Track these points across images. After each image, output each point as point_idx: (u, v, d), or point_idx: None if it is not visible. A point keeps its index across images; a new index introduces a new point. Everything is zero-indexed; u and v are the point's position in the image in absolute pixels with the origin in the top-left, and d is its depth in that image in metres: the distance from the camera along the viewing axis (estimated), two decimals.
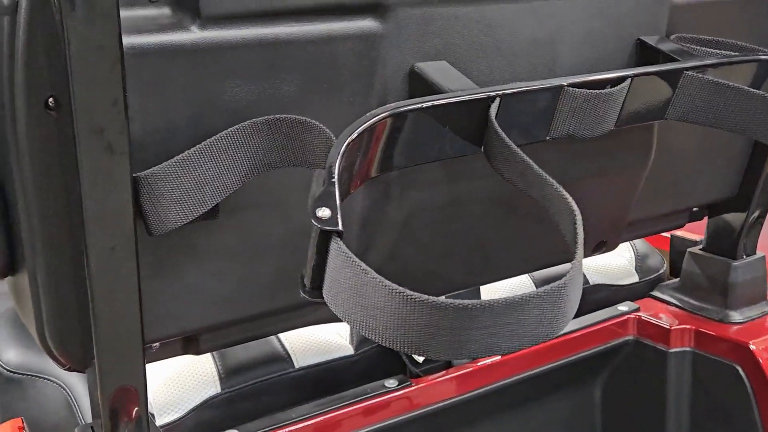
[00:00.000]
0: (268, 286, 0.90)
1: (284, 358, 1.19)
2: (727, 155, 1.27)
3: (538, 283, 1.42)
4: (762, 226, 1.35)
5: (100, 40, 0.64)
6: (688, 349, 1.35)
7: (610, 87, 0.88)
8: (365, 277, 0.57)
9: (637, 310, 1.40)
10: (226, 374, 1.15)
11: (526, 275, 1.43)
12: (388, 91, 0.85)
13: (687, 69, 0.93)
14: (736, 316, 1.34)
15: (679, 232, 1.55)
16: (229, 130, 0.75)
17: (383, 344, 0.59)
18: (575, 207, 0.67)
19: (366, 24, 0.82)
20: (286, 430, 1.08)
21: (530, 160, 0.74)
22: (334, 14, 0.80)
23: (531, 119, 0.85)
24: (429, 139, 0.79)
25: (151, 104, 0.74)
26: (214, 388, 1.13)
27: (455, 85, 0.82)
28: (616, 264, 1.51)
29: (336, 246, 0.59)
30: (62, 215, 0.72)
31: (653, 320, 1.37)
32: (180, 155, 0.73)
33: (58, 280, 0.75)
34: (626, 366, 1.41)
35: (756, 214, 1.32)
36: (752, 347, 1.25)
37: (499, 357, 1.25)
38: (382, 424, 1.15)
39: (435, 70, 0.84)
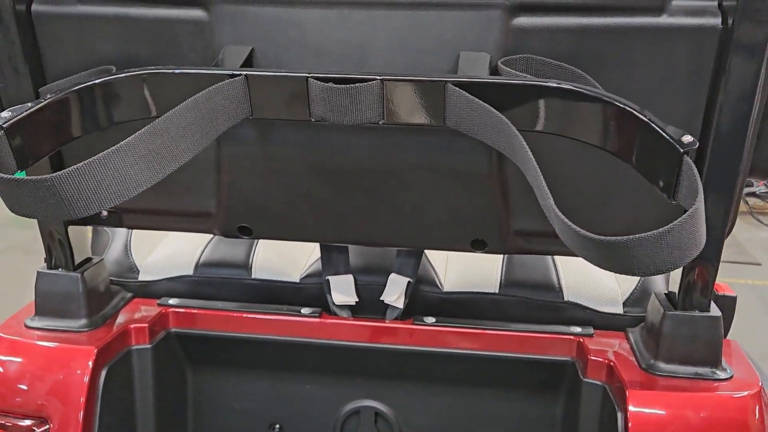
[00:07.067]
0: (150, 189, 1.26)
1: (246, 267, 1.54)
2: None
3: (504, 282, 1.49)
4: (712, 282, 1.21)
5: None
6: (598, 383, 1.31)
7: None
8: None
9: (590, 336, 1.38)
10: (202, 264, 1.55)
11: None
12: (218, 62, 1.15)
13: (450, 83, 1.00)
14: (664, 368, 1.24)
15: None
16: (83, 72, 1.15)
17: None
18: None
19: (196, 13, 1.13)
20: (207, 312, 1.45)
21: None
22: (169, 4, 1.13)
23: (287, 100, 1.05)
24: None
25: (54, 50, 1.18)
26: (188, 270, 1.54)
27: (231, 64, 1.08)
28: (603, 290, 1.46)
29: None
30: None
31: (587, 347, 1.34)
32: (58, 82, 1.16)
33: None
34: (570, 387, 1.41)
35: (696, 269, 1.20)
36: (630, 400, 1.18)
37: (419, 324, 1.42)
38: (280, 338, 1.43)
39: (231, 52, 1.11)
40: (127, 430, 1.40)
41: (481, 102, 0.99)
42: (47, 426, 1.26)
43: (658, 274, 0.87)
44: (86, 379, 1.28)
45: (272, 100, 1.06)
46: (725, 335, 1.39)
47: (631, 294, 1.47)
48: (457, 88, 1.00)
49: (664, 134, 0.92)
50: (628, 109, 0.94)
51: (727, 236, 1.22)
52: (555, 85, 0.98)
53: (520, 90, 0.99)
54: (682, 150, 0.91)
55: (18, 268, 4.56)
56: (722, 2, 1.05)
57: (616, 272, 0.88)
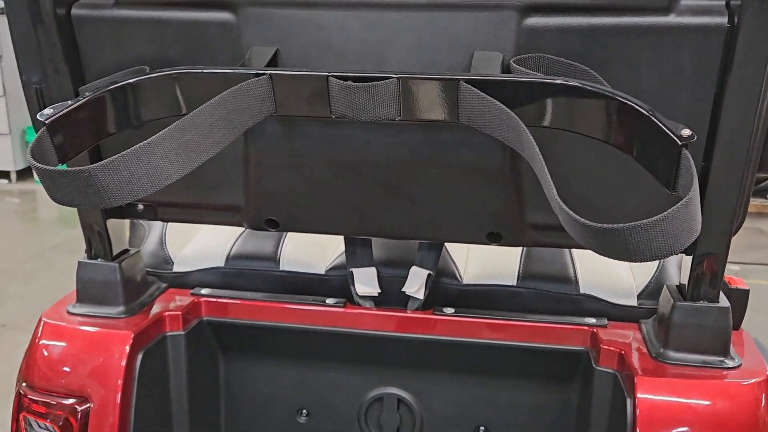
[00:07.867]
0: (183, 184, 1.34)
1: (274, 259, 1.61)
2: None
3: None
4: (721, 274, 1.25)
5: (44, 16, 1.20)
6: (610, 370, 1.35)
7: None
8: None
9: (603, 326, 1.43)
10: (233, 257, 1.63)
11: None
12: (245, 62, 1.22)
13: (462, 80, 1.06)
14: (673, 356, 1.28)
15: None
16: (119, 72, 1.23)
17: None
18: None
19: (224, 16, 1.20)
20: (237, 301, 1.53)
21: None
22: (199, 7, 1.21)
23: (309, 98, 1.12)
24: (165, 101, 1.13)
25: (93, 51, 1.27)
26: (220, 262, 1.62)
27: (256, 64, 1.15)
28: (618, 283, 1.51)
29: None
30: None
31: (600, 337, 1.39)
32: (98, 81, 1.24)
33: None
34: (584, 375, 1.45)
35: (704, 261, 1.24)
36: (638, 387, 1.22)
37: (438, 314, 1.47)
38: (306, 327, 1.50)
39: (256, 52, 1.18)
40: (162, 410, 1.49)
41: (491, 99, 1.04)
42: (88, 405, 1.35)
43: (653, 260, 0.91)
44: (123, 362, 1.36)
45: (295, 98, 1.13)
46: (738, 326, 1.43)
47: (646, 287, 1.51)
48: (470, 86, 1.06)
49: (664, 128, 0.96)
50: (629, 104, 0.99)
51: (736, 232, 1.26)
52: (561, 82, 1.03)
53: (528, 87, 1.05)
54: (681, 143, 0.96)
55: (65, 266, 4.73)
56: (729, 1, 1.09)
57: (614, 258, 0.93)
